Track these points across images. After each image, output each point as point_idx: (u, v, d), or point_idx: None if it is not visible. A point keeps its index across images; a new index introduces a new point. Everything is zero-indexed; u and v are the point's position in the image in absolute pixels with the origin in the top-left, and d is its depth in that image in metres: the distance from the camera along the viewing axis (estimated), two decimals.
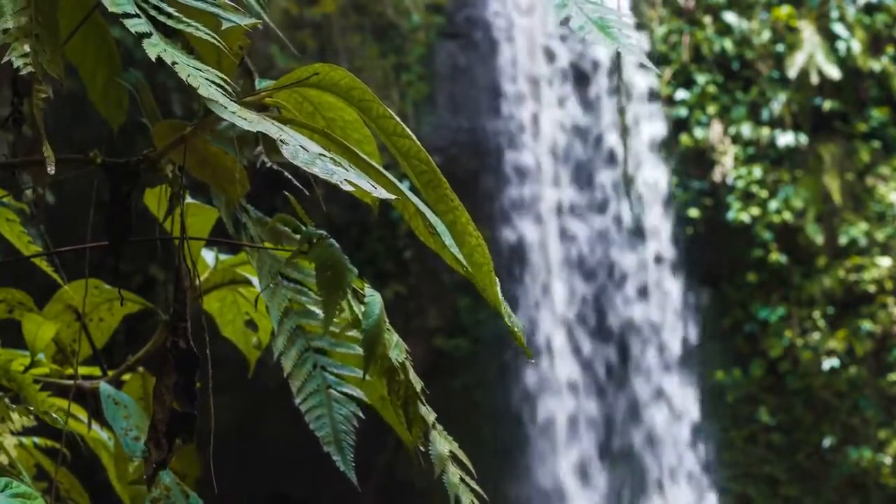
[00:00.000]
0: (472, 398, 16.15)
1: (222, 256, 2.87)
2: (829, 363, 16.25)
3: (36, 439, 2.96)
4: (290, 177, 2.25)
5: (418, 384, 2.21)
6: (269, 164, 2.46)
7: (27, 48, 1.78)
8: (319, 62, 2.12)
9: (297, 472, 15.00)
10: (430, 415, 2.22)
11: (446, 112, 16.38)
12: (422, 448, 2.20)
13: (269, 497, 15.88)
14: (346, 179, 1.78)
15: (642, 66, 14.72)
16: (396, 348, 2.19)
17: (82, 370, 2.89)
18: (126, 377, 2.86)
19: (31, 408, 2.64)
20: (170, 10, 1.88)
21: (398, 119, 2.05)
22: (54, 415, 2.62)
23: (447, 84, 16.53)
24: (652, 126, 16.68)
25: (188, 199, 2.49)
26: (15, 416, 2.68)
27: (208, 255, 2.87)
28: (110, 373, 2.84)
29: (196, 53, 2.04)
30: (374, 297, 2.16)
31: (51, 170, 1.84)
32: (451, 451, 2.22)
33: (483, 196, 16.09)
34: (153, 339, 2.69)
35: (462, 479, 2.20)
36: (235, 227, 2.34)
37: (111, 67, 2.53)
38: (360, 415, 2.19)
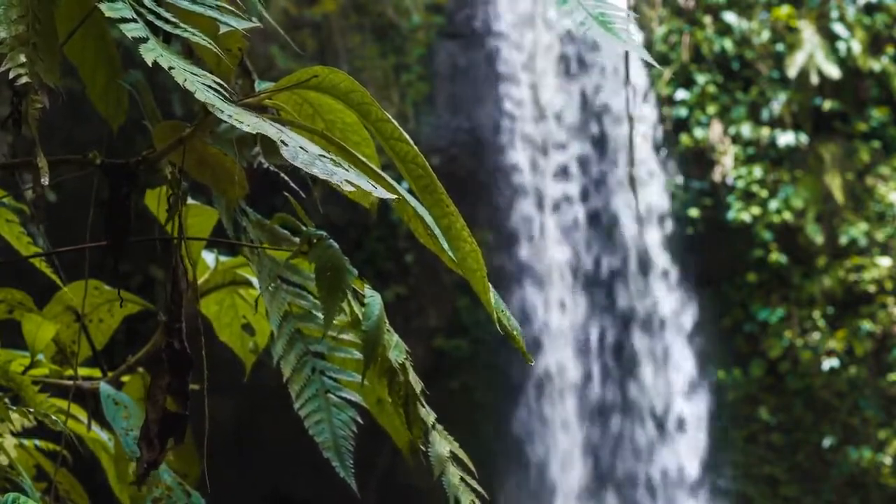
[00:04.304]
0: (472, 398, 16.14)
1: (223, 258, 2.87)
2: (829, 363, 16.25)
3: (36, 440, 2.96)
4: (286, 179, 2.25)
5: (418, 385, 2.21)
6: (266, 166, 2.46)
7: (23, 58, 1.78)
8: (319, 62, 2.13)
9: (297, 473, 15.00)
10: (430, 416, 2.22)
11: (446, 112, 16.36)
12: (423, 447, 2.20)
13: (269, 498, 15.87)
14: (346, 180, 1.78)
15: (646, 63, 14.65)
16: (396, 349, 2.19)
17: (82, 371, 2.89)
18: (126, 378, 2.86)
19: (31, 409, 2.64)
20: (167, 14, 1.87)
21: (396, 123, 2.05)
22: (53, 416, 2.61)
23: (447, 84, 16.52)
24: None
25: (189, 200, 2.48)
26: (15, 416, 2.67)
27: (209, 257, 2.86)
28: (110, 374, 2.84)
29: (196, 55, 2.04)
30: (374, 298, 2.16)
31: (44, 181, 1.84)
32: (451, 452, 2.22)
33: (482, 195, 16.08)
34: (153, 340, 2.68)
35: (462, 479, 2.20)
36: (235, 228, 2.34)
37: (111, 68, 2.52)
38: (359, 420, 2.19)
